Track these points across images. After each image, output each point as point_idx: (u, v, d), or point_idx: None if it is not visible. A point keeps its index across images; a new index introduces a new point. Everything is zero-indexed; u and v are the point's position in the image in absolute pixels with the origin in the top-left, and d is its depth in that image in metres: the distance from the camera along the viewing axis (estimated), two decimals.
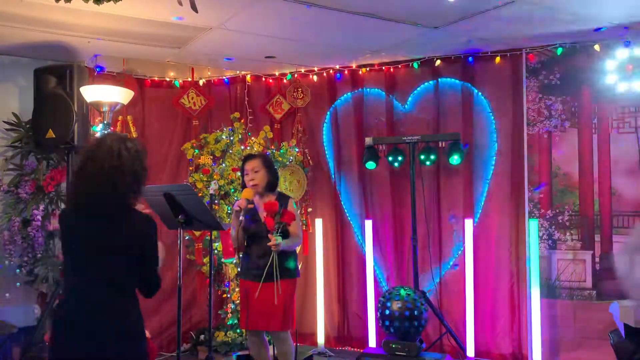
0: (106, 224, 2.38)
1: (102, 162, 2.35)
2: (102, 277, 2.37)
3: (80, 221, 2.39)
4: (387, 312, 4.26)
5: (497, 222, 5.03)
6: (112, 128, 4.67)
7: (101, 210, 2.36)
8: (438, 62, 5.17)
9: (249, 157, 3.96)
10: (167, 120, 5.70)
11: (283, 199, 3.89)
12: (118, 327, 2.37)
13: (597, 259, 4.64)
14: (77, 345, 2.33)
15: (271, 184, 3.88)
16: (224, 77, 5.84)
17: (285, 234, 3.72)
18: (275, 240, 3.61)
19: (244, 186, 3.91)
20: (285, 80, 5.70)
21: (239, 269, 5.09)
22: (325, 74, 5.62)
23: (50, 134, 4.47)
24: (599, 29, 4.31)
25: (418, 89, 5.32)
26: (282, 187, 5.21)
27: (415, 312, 4.23)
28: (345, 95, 5.58)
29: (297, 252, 4.08)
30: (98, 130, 4.55)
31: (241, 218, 3.63)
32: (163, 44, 4.72)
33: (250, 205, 3.71)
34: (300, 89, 5.64)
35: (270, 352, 4.03)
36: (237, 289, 5.13)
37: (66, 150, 4.57)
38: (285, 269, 3.78)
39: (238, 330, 5.08)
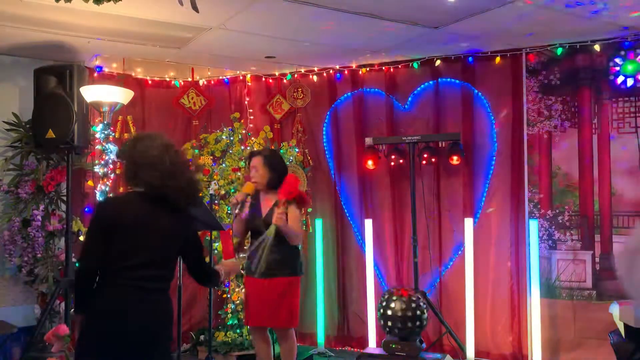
0: (177, 217, 2.50)
1: (185, 160, 2.55)
2: (156, 267, 2.46)
3: (155, 211, 2.46)
4: (387, 312, 4.26)
5: (497, 222, 5.03)
6: (112, 128, 4.67)
7: (180, 204, 2.49)
8: (438, 62, 5.17)
9: (253, 154, 3.99)
10: (167, 120, 5.70)
11: None
12: (166, 323, 2.53)
13: (597, 259, 4.63)
14: (121, 339, 2.37)
15: (273, 182, 3.83)
16: (224, 77, 5.84)
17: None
18: (280, 214, 3.62)
19: None
20: (285, 80, 5.70)
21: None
22: (325, 74, 5.62)
23: (50, 134, 4.47)
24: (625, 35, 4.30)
25: (418, 89, 5.32)
26: None
27: (416, 312, 4.22)
28: (345, 95, 5.57)
29: (300, 249, 4.07)
30: (98, 130, 4.55)
31: (236, 211, 3.67)
32: (163, 44, 4.72)
33: (248, 199, 3.74)
34: (300, 89, 5.63)
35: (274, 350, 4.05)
36: (237, 289, 5.13)
37: (66, 150, 4.57)
38: (285, 265, 3.79)
39: (238, 330, 5.08)
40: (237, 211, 3.69)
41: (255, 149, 5.17)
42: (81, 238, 4.92)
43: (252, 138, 5.41)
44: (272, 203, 3.81)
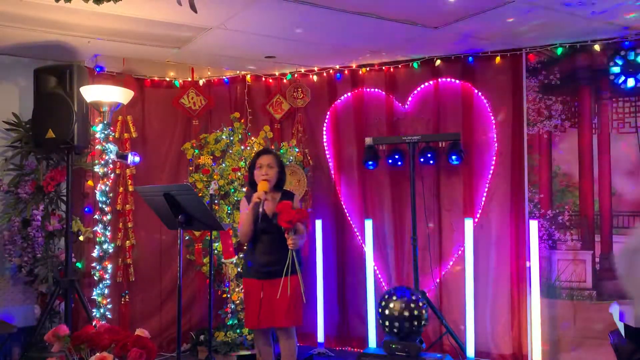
0: None
1: None
2: None
3: None
4: (387, 312, 4.26)
5: (497, 222, 5.03)
6: (112, 128, 4.66)
7: None
8: (438, 62, 5.17)
9: (265, 152, 4.03)
10: (167, 120, 5.70)
11: (288, 196, 3.93)
12: None
13: (597, 259, 4.63)
14: None
15: (280, 183, 3.95)
16: (224, 77, 5.84)
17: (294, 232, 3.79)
18: (293, 240, 3.72)
19: (251, 180, 3.97)
20: (285, 80, 5.70)
21: (239, 269, 5.12)
22: (325, 74, 5.62)
23: (50, 134, 4.47)
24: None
25: (418, 89, 5.32)
26: None
27: (415, 312, 4.22)
28: (345, 95, 5.57)
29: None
30: (98, 130, 4.55)
31: (261, 210, 3.71)
32: (163, 44, 4.72)
33: (267, 197, 3.78)
34: (300, 89, 5.63)
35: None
36: (237, 289, 5.13)
37: (66, 150, 4.57)
38: (292, 264, 3.83)
39: (238, 330, 5.08)
40: (261, 209, 3.72)
41: (253, 150, 5.17)
42: (81, 238, 4.92)
43: (252, 138, 5.41)
44: (275, 203, 3.84)
